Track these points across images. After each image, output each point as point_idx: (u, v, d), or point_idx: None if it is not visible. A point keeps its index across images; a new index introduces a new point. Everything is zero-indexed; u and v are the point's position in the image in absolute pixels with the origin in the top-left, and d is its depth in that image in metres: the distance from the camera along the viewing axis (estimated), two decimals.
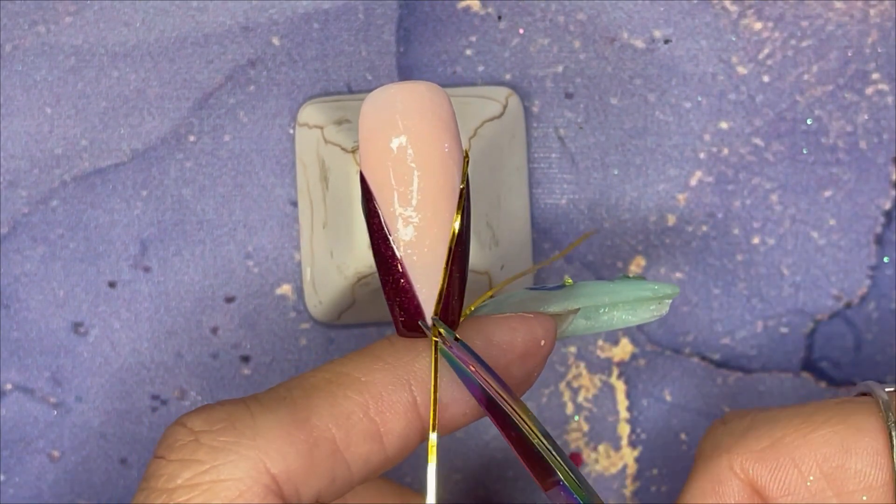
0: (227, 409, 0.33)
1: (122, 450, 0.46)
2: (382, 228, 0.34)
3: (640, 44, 0.46)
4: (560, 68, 0.46)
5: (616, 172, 0.46)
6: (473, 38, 0.46)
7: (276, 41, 0.46)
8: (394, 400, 0.34)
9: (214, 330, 0.46)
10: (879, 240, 0.46)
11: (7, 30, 0.45)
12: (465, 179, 0.34)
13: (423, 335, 0.34)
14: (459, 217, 0.34)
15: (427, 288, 0.34)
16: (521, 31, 0.45)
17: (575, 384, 0.47)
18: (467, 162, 0.35)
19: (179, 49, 0.46)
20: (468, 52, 0.46)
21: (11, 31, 0.45)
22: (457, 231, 0.34)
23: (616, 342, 0.47)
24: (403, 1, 0.46)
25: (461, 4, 0.46)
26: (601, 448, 0.47)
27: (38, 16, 0.45)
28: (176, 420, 0.33)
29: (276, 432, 0.32)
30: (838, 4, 0.46)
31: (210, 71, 0.46)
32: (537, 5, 0.46)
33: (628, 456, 0.47)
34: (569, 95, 0.46)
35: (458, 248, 0.34)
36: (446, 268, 0.34)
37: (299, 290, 0.46)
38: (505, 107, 0.45)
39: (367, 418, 0.33)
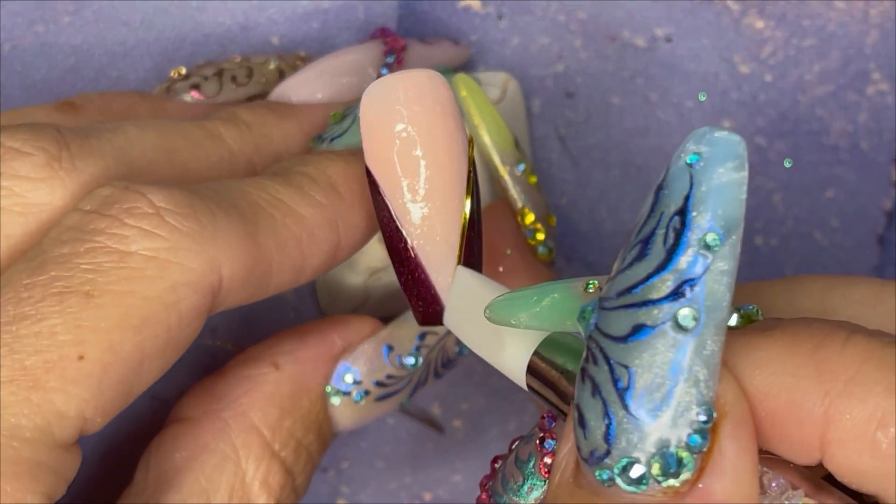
0: (188, 196, 0.32)
1: (122, 449, 0.46)
2: (393, 221, 0.34)
3: (641, 42, 0.46)
4: (561, 67, 0.46)
5: (617, 172, 0.46)
6: (473, 38, 0.46)
7: (275, 41, 0.46)
8: (323, 238, 0.35)
9: (214, 330, 0.46)
10: (881, 240, 0.46)
11: (6, 29, 0.45)
12: (472, 164, 0.35)
13: (443, 323, 0.35)
14: (470, 202, 0.34)
15: (443, 276, 0.34)
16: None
17: None
18: (472, 146, 0.35)
19: (179, 49, 0.46)
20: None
21: (10, 31, 0.45)
22: (468, 216, 0.34)
23: None
24: (403, 1, 0.46)
25: (461, 4, 0.46)
26: None
27: (37, 15, 0.45)
28: (126, 185, 0.32)
29: (233, 238, 0.32)
30: (839, 4, 0.45)
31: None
32: (537, 5, 0.46)
33: None
34: (569, 95, 0.46)
35: (471, 234, 0.34)
36: (460, 254, 0.34)
37: (300, 290, 0.46)
38: (504, 91, 0.45)
39: (297, 251, 0.34)
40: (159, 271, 0.31)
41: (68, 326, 0.30)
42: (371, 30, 0.46)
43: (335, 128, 0.38)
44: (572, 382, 0.30)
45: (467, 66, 0.46)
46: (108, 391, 0.30)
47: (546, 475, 0.32)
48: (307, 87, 0.41)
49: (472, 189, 0.35)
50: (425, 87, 0.34)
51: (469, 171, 0.34)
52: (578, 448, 0.27)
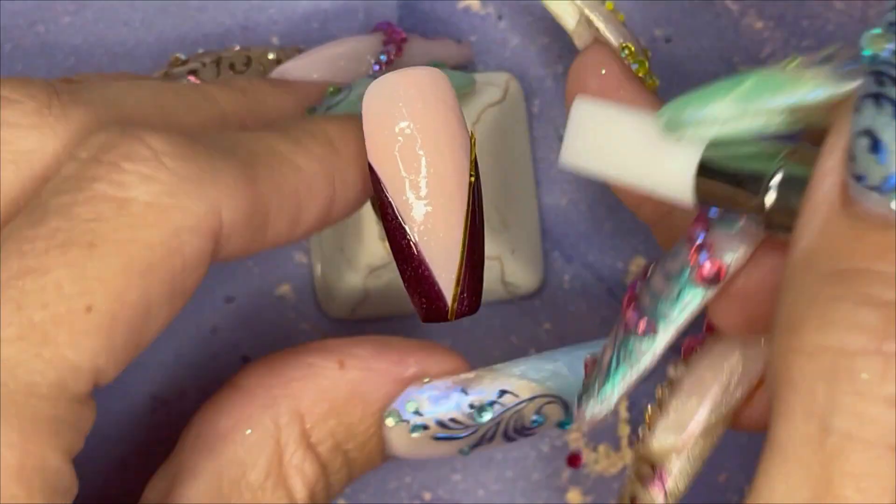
0: (187, 141, 0.32)
1: (122, 450, 0.46)
2: (396, 218, 0.34)
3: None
4: (560, 68, 0.46)
5: None
6: (473, 38, 0.46)
7: (276, 41, 0.46)
8: (318, 191, 0.35)
9: (214, 330, 0.46)
10: None
11: (6, 29, 0.45)
12: (474, 161, 0.35)
13: (447, 320, 0.35)
14: (472, 199, 0.34)
15: (446, 273, 0.34)
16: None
17: None
18: (474, 143, 0.35)
19: (179, 49, 0.46)
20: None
21: (11, 31, 0.45)
22: (471, 213, 0.34)
23: None
24: (403, 1, 0.46)
25: (461, 4, 0.46)
26: (601, 448, 0.47)
27: (38, 15, 0.45)
28: (123, 129, 0.32)
29: (232, 181, 0.32)
30: (838, 4, 0.45)
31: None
32: (537, 5, 0.46)
33: (628, 456, 0.47)
34: None
35: (474, 230, 0.34)
36: (463, 251, 0.34)
37: (300, 290, 0.46)
38: (506, 91, 0.45)
39: (294, 200, 0.34)
40: (160, 216, 0.31)
41: (74, 278, 0.30)
42: (371, 28, 0.46)
43: (330, 100, 0.39)
44: (750, 182, 0.30)
45: (468, 66, 0.46)
46: (118, 340, 0.30)
47: (703, 283, 0.32)
48: (304, 66, 0.41)
49: (475, 186, 0.35)
50: (427, 84, 0.34)
51: (471, 169, 0.35)
52: (861, 177, 0.26)
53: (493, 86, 0.45)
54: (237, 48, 0.43)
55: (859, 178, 0.27)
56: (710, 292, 0.33)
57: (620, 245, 0.46)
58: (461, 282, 0.35)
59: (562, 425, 0.40)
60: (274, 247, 0.35)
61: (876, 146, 0.26)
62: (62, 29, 0.45)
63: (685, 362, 0.36)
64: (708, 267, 0.33)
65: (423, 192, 0.34)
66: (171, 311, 0.32)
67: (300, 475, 0.37)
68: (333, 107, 0.39)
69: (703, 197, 0.31)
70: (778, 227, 0.30)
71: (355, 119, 0.35)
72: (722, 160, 0.31)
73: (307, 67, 0.42)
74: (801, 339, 0.26)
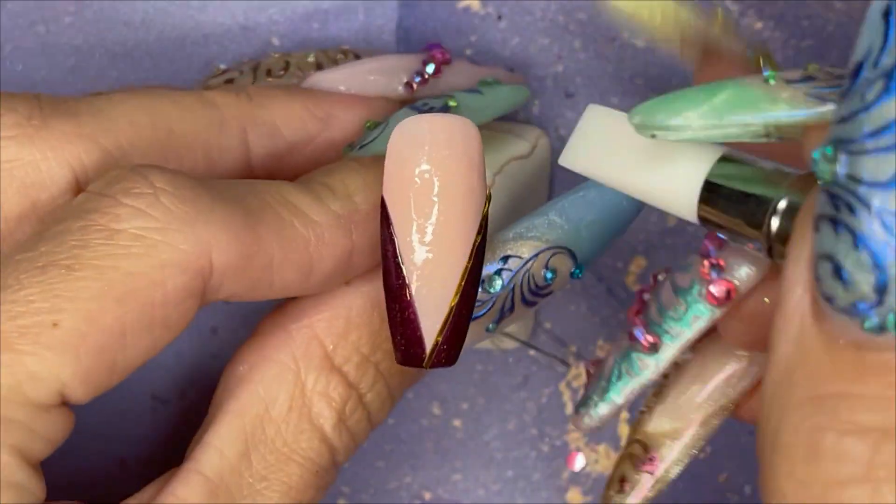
0: (191, 181, 0.33)
1: (122, 450, 0.46)
2: (396, 256, 0.34)
3: (640, 43, 0.46)
4: (560, 68, 0.46)
5: None
6: (473, 38, 0.46)
7: (276, 41, 0.46)
8: (333, 243, 0.35)
9: (214, 330, 0.46)
10: None
11: (7, 29, 0.45)
12: (485, 219, 0.34)
13: (422, 367, 0.35)
14: (473, 256, 0.34)
15: (431, 322, 0.34)
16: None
17: (575, 384, 0.47)
18: (489, 202, 0.35)
19: (179, 49, 0.46)
20: (468, 52, 0.46)
21: (11, 32, 0.45)
22: (469, 270, 0.34)
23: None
24: (403, 1, 0.46)
25: (461, 4, 0.46)
26: (601, 448, 0.47)
27: (38, 15, 0.45)
28: (134, 166, 0.33)
29: (228, 225, 0.33)
30: (838, 4, 0.45)
31: (210, 71, 0.46)
32: (537, 5, 0.46)
33: None
34: (569, 95, 0.46)
35: (468, 287, 0.34)
36: (452, 304, 0.34)
37: None
38: (534, 147, 0.45)
39: (304, 251, 0.35)
40: (146, 249, 0.32)
41: (45, 296, 0.31)
42: (371, 30, 0.46)
43: (367, 135, 0.39)
44: (757, 207, 0.29)
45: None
46: (86, 359, 0.31)
47: (712, 302, 0.32)
48: (333, 78, 0.42)
49: (479, 245, 0.34)
50: (458, 134, 0.34)
51: (480, 227, 0.34)
52: (831, 298, 0.26)
53: (522, 139, 0.45)
54: (278, 55, 0.44)
55: (828, 299, 0.26)
56: (719, 312, 0.33)
57: (620, 245, 0.46)
58: (444, 333, 0.35)
59: (574, 275, 0.39)
60: (290, 295, 0.35)
61: (839, 272, 0.26)
62: (62, 29, 0.45)
63: (693, 349, 0.36)
64: (718, 288, 0.32)
65: (427, 238, 0.34)
66: (152, 342, 0.33)
67: (325, 400, 0.37)
68: (369, 143, 0.39)
69: (707, 217, 0.31)
70: (781, 256, 0.29)
71: (382, 166, 0.35)
72: (727, 181, 0.31)
73: (336, 79, 0.42)
74: (791, 466, 0.26)
